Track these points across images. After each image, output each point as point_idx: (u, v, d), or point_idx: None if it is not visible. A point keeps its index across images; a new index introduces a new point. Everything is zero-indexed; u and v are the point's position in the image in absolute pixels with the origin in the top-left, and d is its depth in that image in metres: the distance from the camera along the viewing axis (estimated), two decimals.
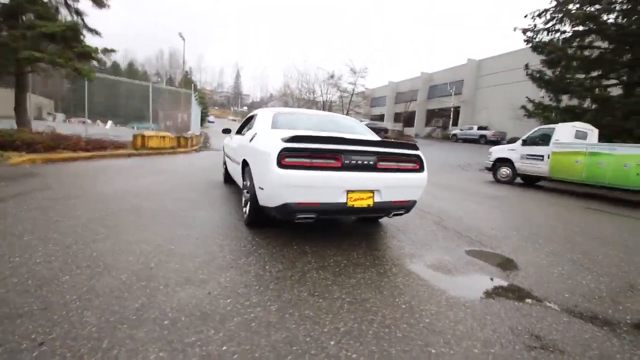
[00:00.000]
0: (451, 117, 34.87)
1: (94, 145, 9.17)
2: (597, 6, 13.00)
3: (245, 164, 3.58)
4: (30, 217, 3.24)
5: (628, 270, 3.09)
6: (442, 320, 1.95)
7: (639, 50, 12.49)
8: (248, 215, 3.38)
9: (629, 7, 12.30)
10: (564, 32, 14.89)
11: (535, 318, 2.06)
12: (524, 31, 16.09)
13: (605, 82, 13.53)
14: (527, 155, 9.52)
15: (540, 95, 16.14)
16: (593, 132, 9.54)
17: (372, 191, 2.93)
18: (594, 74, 13.73)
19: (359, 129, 4.07)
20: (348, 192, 2.83)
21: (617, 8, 12.65)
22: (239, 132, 4.96)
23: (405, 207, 3.21)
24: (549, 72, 14.51)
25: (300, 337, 1.68)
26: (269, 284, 2.23)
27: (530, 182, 10.28)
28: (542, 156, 9.09)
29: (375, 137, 3.68)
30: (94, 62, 10.99)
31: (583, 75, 14.00)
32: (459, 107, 34.10)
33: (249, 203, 3.40)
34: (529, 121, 25.24)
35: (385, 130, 32.52)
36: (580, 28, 13.43)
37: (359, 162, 2.89)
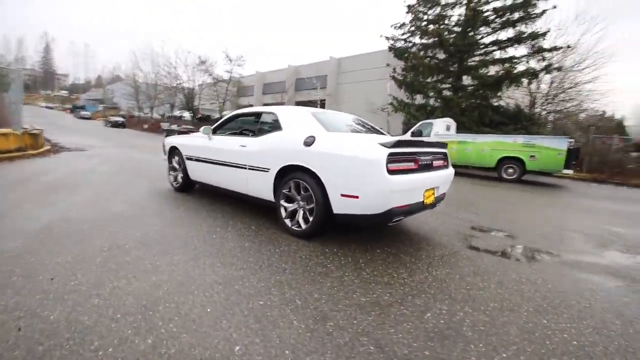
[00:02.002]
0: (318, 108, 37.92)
1: None
2: (442, 25, 16.88)
3: (289, 170, 3.23)
4: None
5: (490, 211, 4.55)
6: None
7: (463, 64, 17.00)
8: (311, 227, 3.10)
9: (459, 30, 16.48)
10: (415, 43, 18.60)
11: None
12: (388, 38, 19.16)
13: (444, 86, 17.76)
14: None
15: (388, 94, 19.54)
16: (453, 125, 12.56)
17: (434, 188, 3.25)
18: (437, 78, 17.81)
19: (367, 126, 4.22)
20: (425, 191, 3.06)
21: (453, 29, 16.74)
22: (233, 132, 4.24)
23: (442, 199, 3.67)
24: (409, 75, 17.81)
25: None
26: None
27: None
28: None
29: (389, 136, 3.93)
30: None
31: (429, 79, 17.92)
32: (324, 100, 37.37)
33: (307, 214, 3.13)
34: (382, 114, 30.56)
35: None
36: (430, 41, 17.06)
37: (426, 162, 3.16)
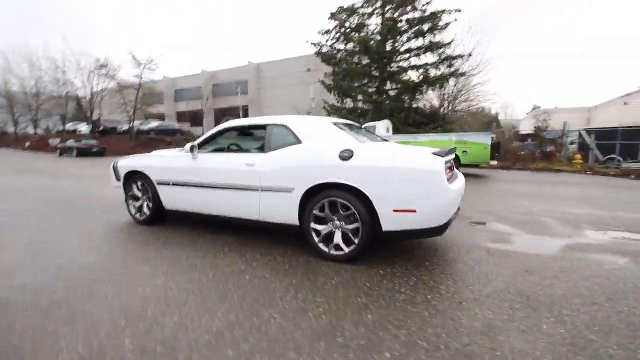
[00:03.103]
0: (241, 115, 36.44)
1: None
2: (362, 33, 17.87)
3: (321, 189, 2.88)
4: None
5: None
6: None
7: (386, 70, 18.33)
8: (357, 249, 2.80)
9: (380, 38, 17.68)
10: (340, 50, 19.34)
11: None
12: (314, 44, 19.48)
13: (370, 90, 18.86)
14: None
15: (311, 98, 20.00)
16: (391, 127, 13.38)
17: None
18: (364, 82, 18.82)
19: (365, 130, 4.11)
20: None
21: (377, 37, 17.87)
22: (226, 149, 3.61)
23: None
24: (339, 80, 18.40)
25: None
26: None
27: None
28: None
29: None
30: None
31: (357, 84, 18.83)
32: (247, 106, 36.17)
33: (349, 235, 2.83)
34: None
35: (182, 133, 29.81)
36: (357, 48, 17.92)
37: (451, 167, 3.19)
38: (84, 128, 29.42)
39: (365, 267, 2.79)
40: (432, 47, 17.95)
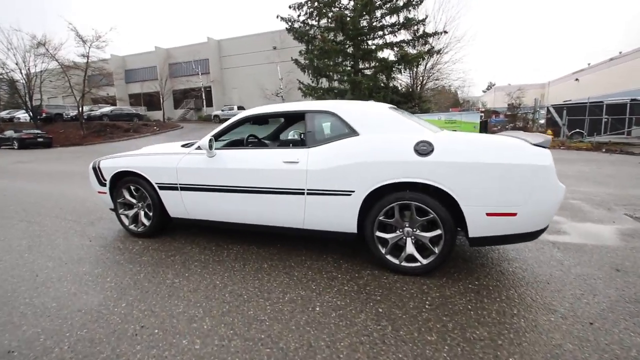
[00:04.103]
0: (203, 97, 34.08)
1: None
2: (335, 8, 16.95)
3: (389, 189, 2.36)
4: None
5: None
6: None
7: (361, 47, 17.67)
8: (437, 259, 2.35)
9: (354, 14, 16.87)
10: (313, 26, 18.28)
11: None
12: (285, 20, 18.21)
13: (347, 69, 18.15)
14: None
15: (280, 77, 19.08)
16: None
17: None
18: (340, 60, 18.04)
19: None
20: None
21: (349, 14, 17.00)
22: (252, 143, 2.91)
23: None
24: (313, 58, 17.44)
25: None
26: None
27: None
28: None
29: None
30: None
31: (332, 62, 18.00)
32: (209, 87, 33.79)
33: (427, 244, 2.36)
34: (277, 99, 29.75)
35: (139, 117, 27.32)
36: (331, 24, 16.97)
37: None
38: (22, 115, 25.84)
39: (448, 280, 2.36)
40: (406, 25, 17.49)
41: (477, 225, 2.24)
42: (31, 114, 23.19)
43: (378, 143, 2.42)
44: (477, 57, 75.44)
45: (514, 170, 2.12)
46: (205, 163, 2.92)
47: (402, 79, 21.66)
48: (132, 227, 3.42)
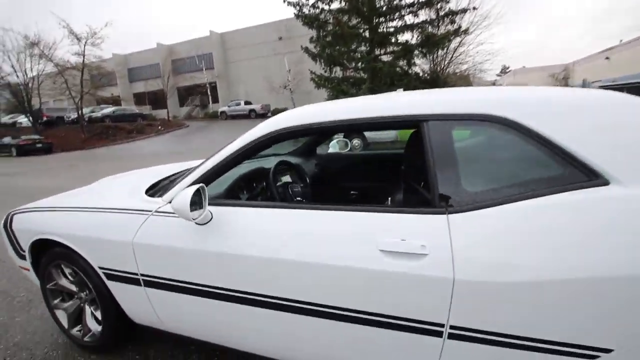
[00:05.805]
0: (209, 93, 32.59)
1: None
2: None
3: None
4: None
5: None
6: None
7: (378, 30, 15.82)
8: None
9: None
10: (324, 9, 16.46)
11: None
12: (292, 4, 16.42)
13: (363, 55, 16.35)
14: None
15: (287, 69, 17.39)
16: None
17: None
18: (352, 47, 16.24)
19: None
20: None
21: None
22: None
23: None
24: (326, 45, 15.70)
25: None
26: None
27: None
28: None
29: None
30: None
31: (345, 49, 16.22)
32: (214, 82, 32.27)
33: None
34: (284, 92, 28.06)
35: (143, 117, 26.05)
36: (345, 6, 15.16)
37: None
38: (24, 120, 24.84)
39: None
40: (428, 2, 15.53)
41: None
42: (31, 119, 22.10)
43: None
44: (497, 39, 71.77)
45: None
46: (191, 235, 1.36)
47: (421, 65, 19.72)
48: (74, 332, 1.91)
